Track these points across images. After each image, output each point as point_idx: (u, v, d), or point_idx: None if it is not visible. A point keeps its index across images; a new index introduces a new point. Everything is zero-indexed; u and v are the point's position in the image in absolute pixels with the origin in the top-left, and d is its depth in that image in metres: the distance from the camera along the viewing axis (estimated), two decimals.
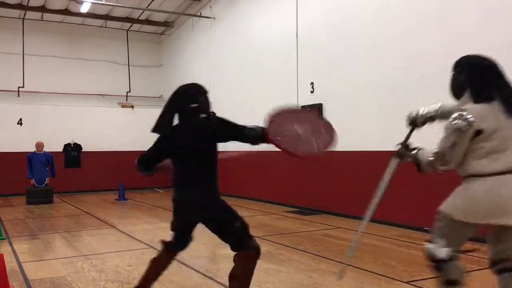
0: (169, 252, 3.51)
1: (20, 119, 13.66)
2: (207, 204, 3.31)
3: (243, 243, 3.31)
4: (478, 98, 2.70)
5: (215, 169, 3.35)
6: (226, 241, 3.41)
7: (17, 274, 4.83)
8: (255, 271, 4.83)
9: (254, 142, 3.18)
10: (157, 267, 3.50)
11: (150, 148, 3.50)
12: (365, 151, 8.05)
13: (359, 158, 8.16)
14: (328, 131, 3.31)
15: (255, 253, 3.33)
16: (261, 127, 3.13)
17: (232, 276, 3.36)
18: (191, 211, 3.35)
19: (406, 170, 7.66)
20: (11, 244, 6.42)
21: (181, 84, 3.48)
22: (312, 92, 9.27)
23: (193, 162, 3.28)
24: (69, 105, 14.51)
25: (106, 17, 15.19)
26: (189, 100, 3.32)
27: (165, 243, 3.51)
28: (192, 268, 4.99)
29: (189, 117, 3.32)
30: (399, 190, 7.38)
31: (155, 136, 3.46)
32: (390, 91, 7.60)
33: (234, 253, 3.36)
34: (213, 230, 3.41)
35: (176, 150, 3.35)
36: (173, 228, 3.50)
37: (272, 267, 4.97)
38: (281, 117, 3.18)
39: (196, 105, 3.30)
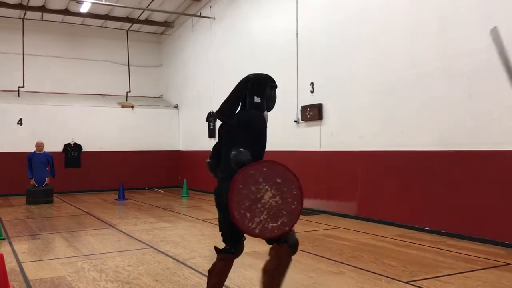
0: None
1: (20, 119, 13.65)
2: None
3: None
4: None
5: None
6: None
7: (17, 274, 4.82)
8: (256, 271, 4.83)
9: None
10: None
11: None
12: (365, 151, 8.05)
13: (359, 158, 8.16)
14: (290, 219, 2.92)
15: (288, 247, 3.12)
16: (248, 162, 2.90)
17: (264, 270, 3.18)
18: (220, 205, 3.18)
19: (407, 171, 7.68)
20: (11, 244, 6.42)
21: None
22: (312, 92, 9.27)
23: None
24: (69, 105, 14.51)
25: (106, 17, 15.18)
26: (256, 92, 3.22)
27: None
28: (192, 268, 4.99)
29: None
30: (399, 190, 7.39)
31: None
32: (390, 91, 7.60)
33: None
34: None
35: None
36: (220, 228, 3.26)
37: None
38: (264, 171, 2.90)
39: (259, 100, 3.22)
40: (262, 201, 2.85)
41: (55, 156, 12.25)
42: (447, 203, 6.54)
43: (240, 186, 2.83)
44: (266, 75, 3.36)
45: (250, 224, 2.84)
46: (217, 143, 3.42)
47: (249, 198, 2.83)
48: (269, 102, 3.31)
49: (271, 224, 2.87)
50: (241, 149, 2.96)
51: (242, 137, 3.09)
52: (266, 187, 2.87)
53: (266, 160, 2.97)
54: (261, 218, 2.85)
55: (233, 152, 2.96)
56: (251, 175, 2.86)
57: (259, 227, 2.85)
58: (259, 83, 3.28)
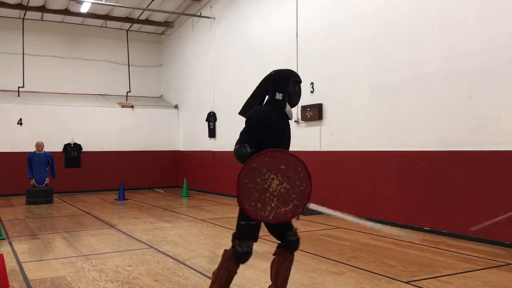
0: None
1: (20, 119, 13.65)
2: None
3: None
4: None
5: None
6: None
7: (17, 274, 4.83)
8: (256, 271, 4.84)
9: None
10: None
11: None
12: (365, 151, 8.05)
13: (359, 158, 8.16)
14: (301, 201, 3.07)
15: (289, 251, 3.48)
16: (248, 154, 2.99)
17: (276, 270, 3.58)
18: None
19: (407, 171, 7.68)
20: (11, 244, 6.41)
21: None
22: (312, 92, 9.27)
23: None
24: (69, 105, 14.51)
25: (106, 17, 15.18)
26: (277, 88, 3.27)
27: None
28: (192, 268, 5.00)
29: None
30: (399, 190, 7.39)
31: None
32: (390, 91, 7.60)
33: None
34: None
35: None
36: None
37: None
38: (266, 161, 2.97)
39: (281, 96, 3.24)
40: (270, 189, 2.98)
41: (55, 156, 12.25)
42: (447, 203, 6.54)
43: (246, 180, 2.93)
44: (289, 70, 3.36)
45: (262, 213, 2.98)
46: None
47: (257, 190, 2.94)
48: (293, 97, 3.32)
49: (283, 209, 3.02)
50: (242, 143, 3.07)
51: (243, 131, 3.19)
52: (272, 176, 2.97)
53: (266, 151, 3.02)
54: (272, 205, 2.99)
55: (235, 147, 3.07)
56: (254, 168, 2.95)
57: (272, 214, 3.00)
58: (281, 78, 3.29)
